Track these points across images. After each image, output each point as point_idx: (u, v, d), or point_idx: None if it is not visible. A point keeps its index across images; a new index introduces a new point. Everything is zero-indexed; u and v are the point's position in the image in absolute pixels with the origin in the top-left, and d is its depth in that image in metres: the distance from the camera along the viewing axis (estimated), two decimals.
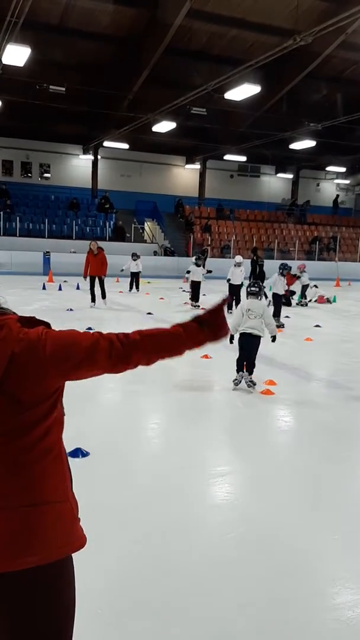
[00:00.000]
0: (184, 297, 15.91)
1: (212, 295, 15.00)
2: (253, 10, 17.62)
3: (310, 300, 16.21)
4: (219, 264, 22.45)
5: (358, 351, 9.77)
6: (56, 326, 1.61)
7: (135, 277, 16.80)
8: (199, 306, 14.36)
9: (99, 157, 29.40)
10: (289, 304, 14.95)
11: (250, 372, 6.80)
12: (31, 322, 1.55)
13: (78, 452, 4.39)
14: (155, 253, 27.00)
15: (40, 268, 21.98)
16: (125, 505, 3.75)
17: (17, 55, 14.34)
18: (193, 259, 15.91)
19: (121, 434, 5.17)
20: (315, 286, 16.79)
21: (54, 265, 21.66)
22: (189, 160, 31.79)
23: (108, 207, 28.38)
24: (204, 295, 14.55)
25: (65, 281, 18.74)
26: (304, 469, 4.56)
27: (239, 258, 14.18)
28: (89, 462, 4.36)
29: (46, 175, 29.70)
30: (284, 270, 12.15)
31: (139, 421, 5.72)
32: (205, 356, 8.42)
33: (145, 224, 30.02)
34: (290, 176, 34.73)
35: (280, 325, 11.55)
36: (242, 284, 13.51)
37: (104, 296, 13.37)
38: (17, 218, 25.36)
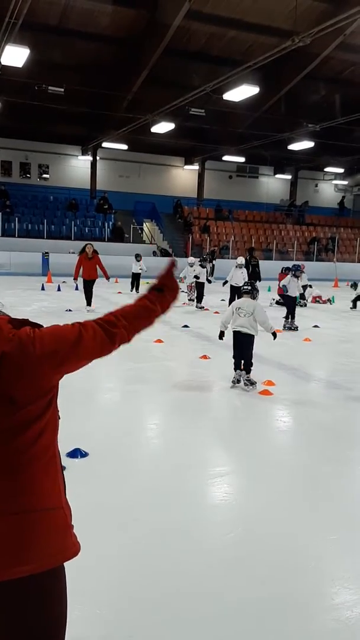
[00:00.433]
0: (182, 298, 15.90)
1: (212, 295, 15.04)
2: (252, 11, 17.64)
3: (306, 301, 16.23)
4: (218, 264, 22.50)
5: (357, 351, 9.78)
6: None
7: (136, 278, 16.78)
8: (202, 307, 14.35)
9: (97, 157, 29.41)
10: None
11: (248, 371, 6.83)
12: (23, 323, 1.58)
13: (77, 453, 4.38)
14: (154, 253, 27.02)
15: (39, 269, 21.96)
16: (124, 505, 3.75)
17: (16, 56, 14.34)
18: (191, 258, 15.91)
19: (120, 434, 5.17)
20: (310, 286, 16.81)
21: (52, 266, 21.64)
22: (188, 161, 31.81)
23: (107, 207, 28.40)
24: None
25: (64, 282, 18.72)
26: (302, 469, 4.57)
27: (240, 259, 13.99)
28: (88, 462, 4.35)
29: (45, 175, 29.70)
30: (297, 271, 11.83)
31: (138, 421, 5.73)
32: (204, 357, 8.43)
33: (144, 224, 30.03)
34: (289, 177, 34.77)
35: (295, 328, 11.50)
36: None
37: (89, 302, 12.78)
38: (16, 219, 25.38)
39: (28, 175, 29.44)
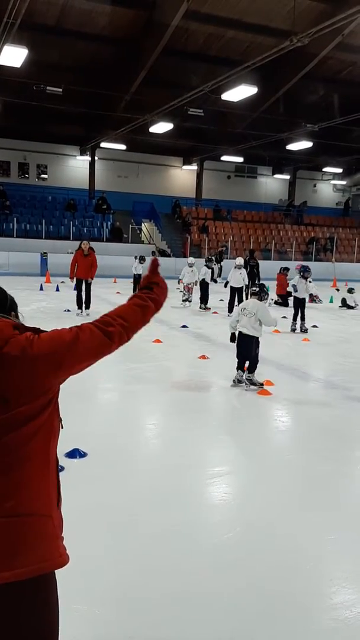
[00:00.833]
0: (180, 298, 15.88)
1: (212, 295, 15.01)
2: (250, 12, 17.65)
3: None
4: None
5: (355, 351, 9.79)
6: (54, 327, 1.64)
7: (138, 281, 16.70)
8: (209, 309, 14.33)
9: (96, 158, 29.39)
10: (285, 305, 14.96)
11: (250, 371, 6.84)
12: (28, 330, 1.60)
13: (76, 453, 4.38)
14: (153, 253, 27.00)
15: (37, 269, 21.95)
16: (123, 505, 3.75)
17: (14, 56, 14.32)
18: (190, 259, 15.90)
19: (119, 434, 5.17)
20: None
21: (51, 266, 21.61)
22: (186, 161, 31.81)
23: (105, 208, 28.38)
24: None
25: (62, 282, 18.70)
26: (301, 469, 4.57)
27: (239, 260, 13.89)
28: (87, 462, 4.35)
29: (43, 176, 29.68)
30: (306, 272, 11.51)
31: (137, 421, 5.73)
32: (203, 357, 8.44)
33: (143, 224, 30.01)
34: (287, 177, 34.78)
35: (305, 330, 11.34)
36: (242, 287, 13.48)
37: (88, 305, 12.18)
38: (15, 219, 25.35)
39: (26, 176, 29.42)
